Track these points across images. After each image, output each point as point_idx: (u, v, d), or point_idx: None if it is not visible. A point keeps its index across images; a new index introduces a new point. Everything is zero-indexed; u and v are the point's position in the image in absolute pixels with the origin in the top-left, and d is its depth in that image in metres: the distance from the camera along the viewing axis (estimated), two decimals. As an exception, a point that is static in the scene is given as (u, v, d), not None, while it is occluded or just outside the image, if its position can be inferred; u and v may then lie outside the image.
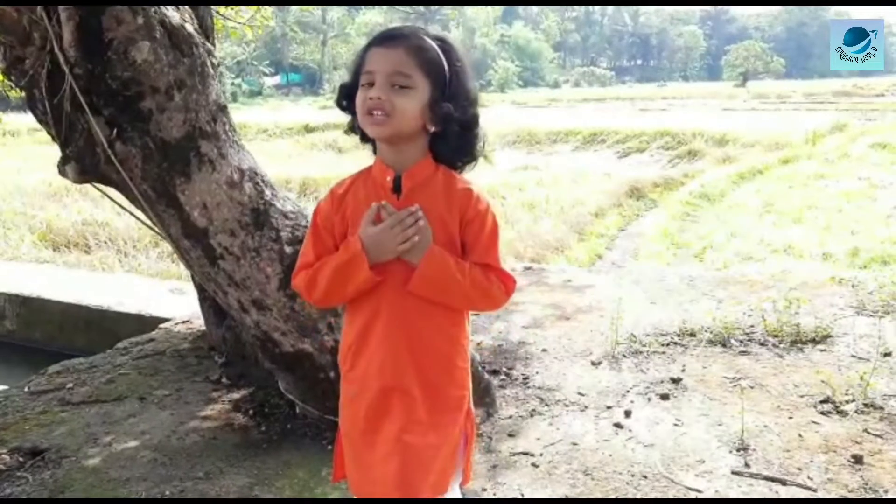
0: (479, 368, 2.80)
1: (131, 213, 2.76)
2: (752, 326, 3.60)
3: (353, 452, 1.48)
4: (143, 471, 2.42)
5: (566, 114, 25.43)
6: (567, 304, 4.13)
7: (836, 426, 2.59)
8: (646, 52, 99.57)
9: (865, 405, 2.72)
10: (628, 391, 2.95)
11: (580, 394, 2.93)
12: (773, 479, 2.26)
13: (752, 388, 2.93)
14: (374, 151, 1.48)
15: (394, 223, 1.36)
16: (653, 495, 2.21)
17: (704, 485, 2.25)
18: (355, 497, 1.52)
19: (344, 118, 1.48)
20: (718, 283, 4.46)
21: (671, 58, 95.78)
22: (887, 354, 3.18)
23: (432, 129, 1.39)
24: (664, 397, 2.87)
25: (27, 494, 2.32)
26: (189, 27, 2.36)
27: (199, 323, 3.71)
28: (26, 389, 3.15)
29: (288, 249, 2.47)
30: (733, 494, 2.20)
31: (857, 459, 2.35)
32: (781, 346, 3.37)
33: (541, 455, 2.45)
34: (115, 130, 2.27)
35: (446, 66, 1.38)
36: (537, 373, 3.16)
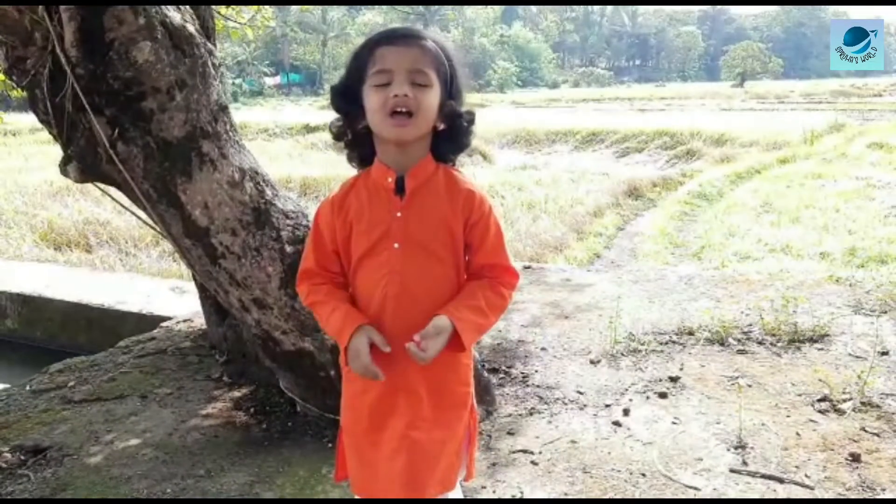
0: (479, 367, 2.81)
1: (132, 213, 2.77)
2: (750, 325, 3.61)
3: (357, 451, 1.48)
4: (144, 469, 2.43)
5: (565, 114, 25.39)
6: (566, 303, 4.14)
7: (833, 425, 2.61)
8: (644, 53, 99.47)
9: (863, 404, 2.73)
10: (627, 390, 2.96)
11: (579, 392, 2.95)
12: (770, 478, 2.27)
13: (749, 386, 2.95)
14: (360, 165, 1.48)
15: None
16: (651, 493, 2.22)
17: (702, 483, 2.26)
18: (357, 497, 1.53)
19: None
20: (716, 283, 4.48)
21: (670, 58, 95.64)
22: (885, 353, 3.19)
23: (441, 126, 1.41)
24: (662, 396, 2.89)
25: (29, 493, 2.33)
26: (190, 27, 2.37)
27: (200, 321, 3.72)
28: (28, 388, 3.17)
29: (289, 249, 2.48)
30: (731, 492, 2.21)
31: (855, 458, 2.37)
32: (779, 344, 3.38)
33: (540, 453, 2.46)
34: (116, 130, 2.28)
35: (447, 64, 1.39)
36: (536, 371, 3.17)
